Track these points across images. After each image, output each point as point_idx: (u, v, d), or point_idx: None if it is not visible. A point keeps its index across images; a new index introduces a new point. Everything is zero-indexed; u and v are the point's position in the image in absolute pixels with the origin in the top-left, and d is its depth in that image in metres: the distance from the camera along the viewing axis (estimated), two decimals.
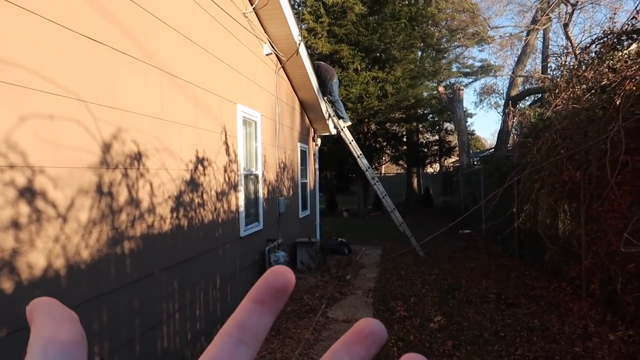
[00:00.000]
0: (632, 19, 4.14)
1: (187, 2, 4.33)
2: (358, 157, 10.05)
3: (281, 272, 0.28)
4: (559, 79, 6.19)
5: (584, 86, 5.12)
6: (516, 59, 17.62)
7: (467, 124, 18.56)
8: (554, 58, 13.46)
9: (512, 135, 14.37)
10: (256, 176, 6.28)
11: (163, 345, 3.71)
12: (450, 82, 21.74)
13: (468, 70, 22.92)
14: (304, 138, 9.60)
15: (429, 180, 28.88)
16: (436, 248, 9.90)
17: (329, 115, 9.79)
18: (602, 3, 16.34)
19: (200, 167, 4.43)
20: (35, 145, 2.42)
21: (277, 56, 7.15)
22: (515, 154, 7.99)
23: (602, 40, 4.84)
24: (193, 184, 4.27)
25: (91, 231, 2.86)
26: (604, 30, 4.80)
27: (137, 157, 3.39)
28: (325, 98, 9.54)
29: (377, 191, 10.35)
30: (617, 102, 3.59)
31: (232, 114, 5.35)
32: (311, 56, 9.96)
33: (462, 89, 17.26)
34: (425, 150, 22.61)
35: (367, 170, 10.13)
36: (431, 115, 22.48)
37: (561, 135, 4.85)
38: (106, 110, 3.03)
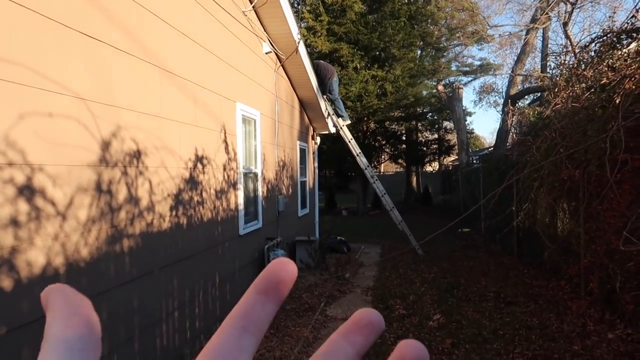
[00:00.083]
0: (632, 17, 4.15)
1: (187, 0, 4.32)
2: (357, 155, 10.05)
3: (284, 264, 0.28)
4: (558, 78, 6.19)
5: (584, 85, 5.12)
6: (515, 57, 17.62)
7: (466, 122, 18.58)
8: (554, 57, 13.45)
9: (511, 134, 14.39)
10: (255, 174, 6.28)
11: (162, 343, 3.71)
12: (449, 80, 21.74)
13: (467, 69, 22.91)
14: (303, 136, 9.59)
15: (428, 178, 28.90)
16: (435, 247, 9.90)
17: (329, 114, 9.79)
18: (602, 2, 16.34)
19: (199, 166, 4.42)
20: (35, 143, 2.42)
21: (276, 55, 7.14)
22: (515, 153, 7.99)
23: (601, 39, 4.84)
24: (192, 182, 4.27)
25: (90, 229, 2.85)
26: (603, 29, 4.80)
27: (137, 155, 3.38)
28: (325, 96, 9.54)
29: (377, 190, 10.35)
30: (617, 101, 3.60)
31: (231, 112, 5.35)
32: (310, 55, 9.95)
33: (462, 88, 17.26)
34: (425, 148, 22.61)
35: (366, 169, 10.13)
36: (430, 113, 22.48)
37: (560, 133, 4.86)
38: (105, 108, 3.02)
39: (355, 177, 18.59)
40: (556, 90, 5.78)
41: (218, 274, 4.89)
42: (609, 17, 5.71)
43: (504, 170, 7.92)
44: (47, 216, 2.49)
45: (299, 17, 14.52)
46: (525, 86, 17.51)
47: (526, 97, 17.20)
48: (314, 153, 10.89)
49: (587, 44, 5.44)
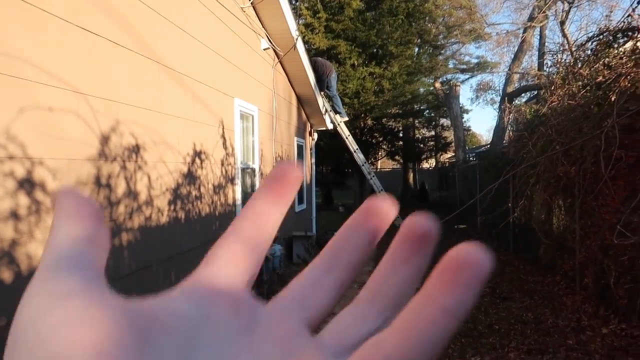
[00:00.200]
0: (628, 16, 4.18)
1: None
2: (354, 152, 10.07)
3: (289, 166, 0.25)
4: (555, 76, 6.23)
5: (580, 83, 5.16)
6: (513, 55, 17.64)
7: (463, 120, 18.63)
8: (551, 55, 13.51)
9: (508, 131, 14.42)
10: (253, 170, 6.30)
11: None
12: (446, 78, 21.74)
13: (465, 66, 22.91)
14: (300, 132, 9.61)
15: (425, 175, 28.92)
16: None
17: (326, 110, 9.81)
18: (599, 1, 16.39)
19: (197, 160, 4.44)
20: (35, 137, 2.43)
21: (274, 51, 7.15)
22: (511, 150, 8.04)
23: (598, 38, 4.88)
24: (190, 177, 4.29)
25: None
26: (599, 28, 4.84)
27: (135, 149, 3.40)
28: (323, 93, 9.55)
29: (373, 186, 10.39)
30: (612, 99, 3.63)
31: (229, 107, 5.36)
32: (308, 51, 9.95)
33: (459, 85, 17.28)
34: (422, 145, 22.66)
35: (363, 165, 10.16)
36: (427, 111, 22.51)
37: (556, 130, 4.90)
38: (104, 103, 3.04)
39: (352, 174, 18.63)
40: (553, 88, 5.82)
41: None
42: (606, 16, 5.75)
43: (501, 167, 7.96)
44: (47, 209, 2.51)
45: (297, 14, 14.51)
46: (522, 84, 17.54)
47: (523, 95, 17.24)
48: (311, 149, 10.91)
49: (584, 42, 5.48)
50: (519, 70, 17.17)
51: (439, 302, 0.19)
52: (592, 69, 4.90)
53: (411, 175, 25.93)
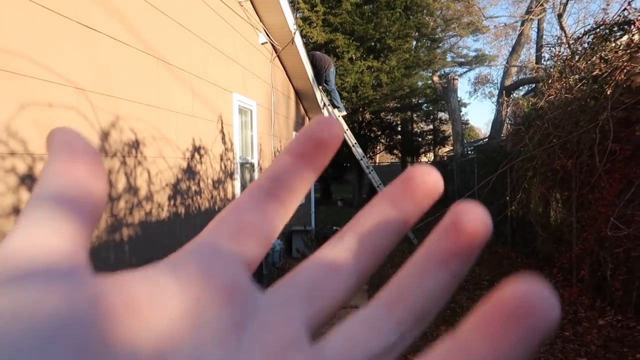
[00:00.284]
0: (623, 10, 4.20)
1: None
2: (353, 146, 10.09)
3: (327, 122, 0.21)
4: (552, 69, 6.24)
5: (577, 76, 5.18)
6: (510, 48, 17.63)
7: (461, 113, 18.61)
8: (548, 48, 13.50)
9: (505, 124, 14.44)
10: (252, 165, 6.32)
11: None
12: (444, 71, 21.73)
13: (463, 59, 22.88)
14: (299, 127, 9.62)
15: None
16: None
17: (324, 105, 9.81)
18: None
19: (196, 156, 4.46)
20: (35, 133, 2.45)
21: (272, 45, 7.15)
22: (509, 144, 8.07)
23: (594, 32, 4.90)
24: (190, 172, 4.31)
25: None
26: (596, 21, 4.86)
27: (135, 145, 3.42)
28: (321, 87, 9.56)
29: (372, 180, 10.41)
30: (608, 92, 3.66)
31: (228, 102, 5.37)
32: (306, 45, 9.95)
33: (457, 79, 17.25)
34: (420, 139, 22.70)
35: (361, 160, 10.18)
36: (426, 104, 22.50)
37: (553, 124, 4.92)
38: (104, 99, 3.05)
39: (351, 168, 18.66)
40: (550, 81, 5.84)
41: None
42: (603, 9, 5.76)
43: (499, 161, 7.99)
44: None
45: (295, 8, 14.47)
46: (520, 77, 17.54)
47: (521, 88, 17.24)
48: None
49: (581, 35, 5.49)
50: (517, 64, 17.16)
51: None
52: (589, 62, 4.92)
53: None
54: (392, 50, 15.58)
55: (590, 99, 4.33)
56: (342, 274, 0.20)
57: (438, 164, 25.17)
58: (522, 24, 16.18)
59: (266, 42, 6.83)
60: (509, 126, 13.77)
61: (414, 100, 20.68)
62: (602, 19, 4.78)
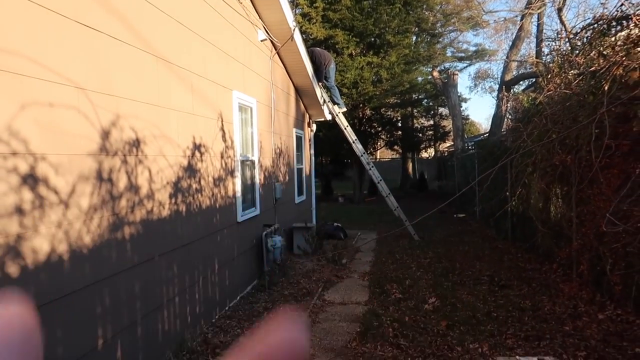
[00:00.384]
0: (621, 5, 4.20)
1: None
2: (353, 142, 10.10)
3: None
4: (551, 64, 6.24)
5: (576, 71, 5.18)
6: (510, 43, 17.59)
7: (461, 108, 18.59)
8: (547, 43, 13.47)
9: (506, 119, 14.43)
10: (252, 162, 6.34)
11: (164, 327, 3.80)
12: (444, 66, 21.70)
13: (463, 54, 22.84)
14: (299, 124, 9.63)
15: (423, 165, 28.99)
16: (431, 232, 10.03)
17: (324, 101, 9.82)
18: None
19: (197, 154, 4.48)
20: (37, 133, 2.47)
21: (272, 42, 7.15)
22: (509, 139, 8.07)
23: (592, 27, 4.90)
24: (190, 170, 4.33)
25: (92, 217, 2.92)
26: (594, 16, 4.86)
27: (136, 143, 3.43)
28: (321, 84, 9.56)
29: (372, 176, 10.43)
30: (605, 88, 3.67)
31: (228, 100, 5.38)
32: (306, 41, 9.95)
33: (457, 74, 17.24)
34: (420, 135, 22.70)
35: (362, 156, 10.19)
36: (426, 100, 22.51)
37: (552, 120, 4.93)
38: (104, 98, 3.07)
39: (352, 164, 18.66)
40: (549, 76, 5.84)
41: (217, 260, 4.97)
42: (601, 3, 5.75)
43: (499, 156, 8.01)
44: (50, 204, 2.55)
45: (294, 4, 14.44)
46: (520, 72, 17.51)
47: (521, 82, 17.23)
48: (310, 140, 10.93)
49: (579, 30, 5.49)
50: (517, 58, 17.13)
51: None
52: (587, 57, 4.92)
53: (410, 164, 25.98)
54: (391, 45, 15.55)
55: (589, 94, 4.33)
56: None
57: (439, 159, 25.22)
58: (522, 18, 16.12)
59: (265, 39, 6.83)
60: (509, 121, 13.76)
61: (414, 95, 20.68)
62: (601, 13, 4.77)
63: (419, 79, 19.59)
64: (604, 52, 4.36)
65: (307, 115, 10.56)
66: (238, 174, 5.63)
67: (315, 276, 6.64)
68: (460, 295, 5.49)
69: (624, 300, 4.50)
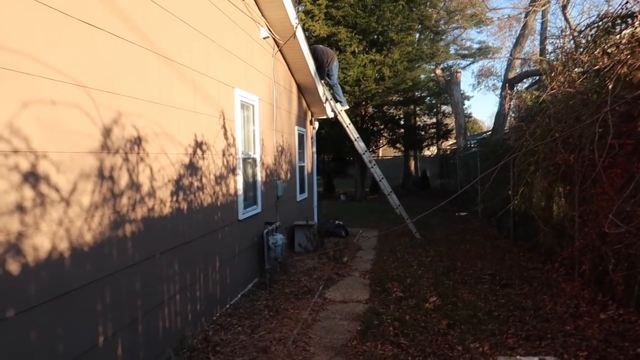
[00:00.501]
0: (626, 2, 4.17)
1: None
2: (355, 140, 10.09)
3: None
4: (555, 62, 6.21)
5: (580, 69, 5.15)
6: (514, 40, 17.52)
7: (464, 106, 18.58)
8: (551, 40, 13.42)
9: (509, 118, 14.39)
10: (254, 160, 6.33)
11: (165, 325, 3.81)
12: (447, 64, 21.64)
13: (466, 52, 22.77)
14: (301, 121, 9.62)
15: (426, 163, 28.96)
16: (432, 230, 10.02)
17: (327, 99, 9.81)
18: None
19: (199, 151, 4.47)
20: (38, 131, 2.47)
21: (274, 39, 7.14)
22: (512, 137, 8.05)
23: (597, 25, 4.87)
24: (192, 168, 4.33)
25: (93, 214, 2.92)
26: (599, 14, 4.83)
27: (137, 141, 3.43)
28: (323, 81, 9.54)
29: (374, 174, 10.41)
30: (609, 86, 3.64)
31: (229, 98, 5.38)
32: (308, 39, 9.93)
33: (460, 72, 17.20)
34: (423, 133, 22.64)
35: (364, 154, 10.18)
36: (428, 98, 22.45)
37: (555, 118, 4.91)
38: (106, 96, 3.06)
39: (354, 162, 18.64)
40: (553, 74, 5.81)
41: (218, 258, 4.97)
42: (606, 0, 5.71)
43: (501, 155, 7.98)
44: (51, 202, 2.55)
45: (297, 1, 14.42)
46: (523, 69, 17.45)
47: (525, 80, 17.17)
48: (312, 138, 10.92)
49: (584, 28, 5.46)
50: (521, 56, 17.06)
51: None
52: (592, 55, 4.89)
53: (412, 162, 25.94)
54: (394, 43, 15.50)
55: (593, 93, 4.31)
56: None
57: (441, 157, 25.17)
58: (526, 16, 16.04)
59: (268, 37, 6.82)
60: (512, 119, 13.72)
61: (416, 93, 20.62)
62: (605, 11, 4.74)
63: (422, 76, 19.55)
64: (609, 51, 4.33)
65: (310, 113, 10.55)
66: (240, 171, 5.62)
67: (316, 274, 6.64)
68: (462, 294, 5.48)
69: (626, 300, 4.48)
